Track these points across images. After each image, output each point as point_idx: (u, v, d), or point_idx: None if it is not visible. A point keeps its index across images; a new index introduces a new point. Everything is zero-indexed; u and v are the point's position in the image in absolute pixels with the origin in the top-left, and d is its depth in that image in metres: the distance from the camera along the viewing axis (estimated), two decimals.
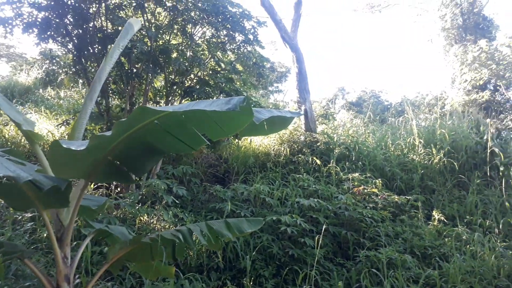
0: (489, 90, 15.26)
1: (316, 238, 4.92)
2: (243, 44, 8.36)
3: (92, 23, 7.11)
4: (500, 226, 5.72)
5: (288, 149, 8.05)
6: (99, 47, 7.23)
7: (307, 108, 8.71)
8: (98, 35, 7.14)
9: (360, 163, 7.57)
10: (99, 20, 7.33)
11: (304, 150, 8.13)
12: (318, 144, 8.15)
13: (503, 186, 6.50)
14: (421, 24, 26.86)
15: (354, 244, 5.43)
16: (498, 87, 15.30)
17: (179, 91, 8.03)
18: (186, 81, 8.28)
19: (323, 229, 5.28)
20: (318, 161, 7.46)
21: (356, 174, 6.89)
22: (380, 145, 8.43)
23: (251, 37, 8.10)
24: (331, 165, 7.32)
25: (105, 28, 7.31)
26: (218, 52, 8.55)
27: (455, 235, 5.45)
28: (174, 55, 7.98)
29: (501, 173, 6.98)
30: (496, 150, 7.23)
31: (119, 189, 6.40)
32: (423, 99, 16.60)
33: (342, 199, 5.81)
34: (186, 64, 7.98)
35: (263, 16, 9.37)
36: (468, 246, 5.18)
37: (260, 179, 6.93)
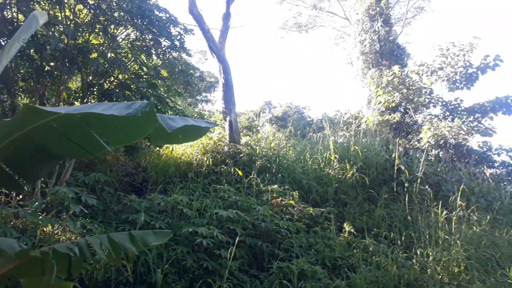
0: (400, 112, 16.65)
1: (230, 249, 4.86)
2: (168, 50, 8.18)
3: (1, 13, 6.46)
4: (403, 238, 6.17)
5: (211, 159, 7.97)
6: (8, 40, 6.57)
7: (232, 119, 8.74)
8: (8, 27, 6.50)
9: (280, 175, 7.74)
10: (10, 11, 6.69)
11: (227, 161, 8.11)
12: (241, 155, 8.20)
13: (407, 201, 7.04)
14: (343, 46, 28.70)
15: (269, 255, 5.48)
16: (407, 110, 16.77)
17: (97, 94, 7.58)
18: (105, 84, 7.86)
19: (239, 240, 5.27)
20: (240, 172, 7.47)
21: (275, 186, 7.02)
22: (300, 159, 8.72)
23: (177, 43, 7.96)
24: (252, 176, 7.38)
25: (16, 20, 6.69)
26: (143, 56, 8.26)
27: (363, 247, 5.77)
28: (94, 55, 7.55)
29: (405, 189, 7.58)
30: (402, 167, 7.84)
31: (21, 196, 5.80)
32: (342, 117, 17.61)
33: (260, 210, 5.86)
34: (106, 65, 7.58)
35: (191, 24, 9.29)
36: (374, 257, 5.51)
37: (180, 189, 6.74)
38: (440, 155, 13.78)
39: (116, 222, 5.58)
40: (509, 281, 5.23)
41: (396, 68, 15.69)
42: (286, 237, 5.69)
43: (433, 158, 10.58)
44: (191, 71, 9.10)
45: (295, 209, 6.49)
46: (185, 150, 8.26)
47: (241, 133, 9.39)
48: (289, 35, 28.67)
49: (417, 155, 9.63)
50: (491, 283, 5.09)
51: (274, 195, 6.84)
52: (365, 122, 16.20)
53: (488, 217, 6.75)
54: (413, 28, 24.98)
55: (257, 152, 8.27)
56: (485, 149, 14.80)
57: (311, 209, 6.53)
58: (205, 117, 9.91)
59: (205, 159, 7.95)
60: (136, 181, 7.37)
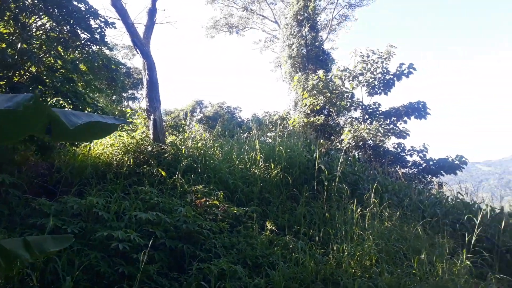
0: (324, 114, 17.46)
1: (143, 252, 4.68)
2: (88, 43, 7.72)
3: None
4: (321, 234, 6.44)
5: (132, 160, 7.65)
6: None
7: (156, 117, 8.48)
8: None
9: (205, 175, 7.67)
10: None
11: (150, 161, 7.85)
12: (166, 155, 7.98)
13: (326, 199, 7.37)
14: (272, 49, 29.44)
15: (190, 257, 5.39)
16: (331, 113, 17.62)
17: (4, 87, 6.91)
18: (14, 77, 7.19)
19: (159, 243, 5.12)
20: (163, 173, 7.27)
21: (200, 187, 6.94)
22: (227, 159, 8.73)
23: (97, 36, 7.53)
24: (176, 177, 7.22)
25: None
26: (59, 48, 7.69)
27: (283, 244, 5.92)
28: (2, 45, 6.88)
29: (325, 187, 7.92)
30: (322, 167, 8.19)
31: None
32: (271, 118, 18.00)
33: (182, 211, 5.75)
34: (16, 56, 6.95)
35: (114, 18, 8.86)
36: (293, 254, 5.67)
37: (97, 192, 6.38)
38: (359, 155, 14.68)
39: (21, 228, 5.11)
40: (413, 271, 5.71)
41: (321, 72, 16.42)
42: (209, 238, 5.65)
43: (352, 159, 11.19)
44: (114, 66, 8.69)
45: (219, 209, 6.46)
46: (104, 150, 7.84)
47: (167, 133, 9.15)
48: (220, 35, 28.75)
49: (338, 155, 10.12)
50: (398, 274, 5.51)
51: (199, 195, 6.75)
52: (292, 123, 16.72)
53: (398, 213, 7.29)
54: (338, 35, 26.51)
55: (183, 152, 8.11)
56: (399, 150, 16.03)
57: (235, 209, 6.55)
58: (128, 114, 9.49)
59: (126, 159, 7.62)
60: (48, 183, 6.83)
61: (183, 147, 8.21)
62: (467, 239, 6.86)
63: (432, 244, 6.69)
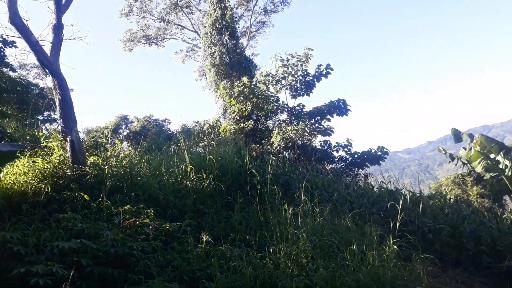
0: (253, 119, 17.72)
1: (64, 284, 4.33)
2: None
3: None
4: (257, 238, 6.45)
5: (49, 186, 7.07)
6: None
7: (74, 138, 7.94)
8: None
9: (133, 194, 7.33)
10: None
11: (71, 185, 7.31)
12: (88, 177, 7.50)
13: (259, 203, 7.42)
14: (195, 58, 29.27)
15: (123, 281, 5.09)
16: (259, 117, 17.93)
17: None
18: None
19: (87, 272, 4.77)
20: (86, 197, 6.81)
21: (128, 206, 6.61)
22: (156, 174, 8.43)
23: None
24: (101, 199, 6.81)
25: None
26: None
27: (220, 254, 5.83)
28: None
29: (258, 191, 7.99)
30: (254, 171, 8.26)
31: None
32: (201, 128, 17.84)
33: (108, 235, 5.41)
34: None
35: (15, 36, 8.16)
36: (231, 263, 5.61)
37: (12, 225, 5.78)
38: (289, 156, 15.08)
39: None
40: (347, 262, 5.94)
41: (245, 79, 16.66)
42: (141, 259, 5.38)
43: (282, 160, 11.44)
44: (20, 88, 7.99)
45: (151, 227, 6.20)
46: (17, 179, 7.15)
47: (87, 153, 8.61)
48: (139, 48, 27.93)
49: (269, 158, 10.28)
50: (333, 267, 5.69)
51: (127, 216, 6.42)
52: (222, 131, 16.72)
53: (328, 208, 7.57)
54: (258, 41, 27.18)
55: (106, 172, 7.68)
56: (326, 147, 16.76)
57: (168, 225, 6.33)
58: (42, 138, 8.78)
59: (43, 186, 7.02)
60: None
61: (106, 167, 7.77)
62: (391, 225, 7.34)
63: (362, 234, 7.03)
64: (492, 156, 7.14)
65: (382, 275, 5.56)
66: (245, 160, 8.72)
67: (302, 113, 17.20)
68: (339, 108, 17.01)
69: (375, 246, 6.29)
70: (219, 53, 18.81)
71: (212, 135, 17.01)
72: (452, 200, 12.14)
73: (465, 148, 8.11)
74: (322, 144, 16.83)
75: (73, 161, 7.77)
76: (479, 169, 7.61)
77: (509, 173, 6.81)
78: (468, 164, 7.98)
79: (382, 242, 6.61)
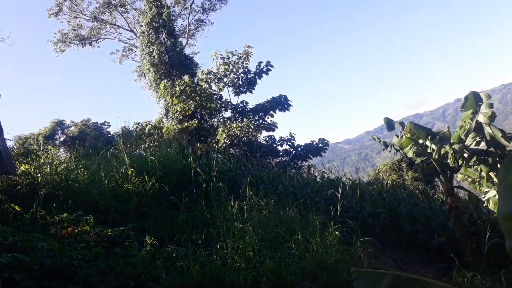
0: (197, 118, 17.54)
1: None
2: None
3: None
4: (203, 237, 6.42)
5: None
6: None
7: (1, 148, 7.37)
8: None
9: (70, 201, 6.97)
10: None
11: (0, 197, 6.80)
12: (19, 187, 7.02)
13: (203, 201, 7.37)
14: (132, 58, 28.28)
15: None
16: (203, 116, 17.79)
17: None
18: None
19: (21, 287, 4.47)
20: (17, 208, 6.37)
21: (65, 215, 6.27)
22: (94, 179, 8.08)
23: None
24: (35, 209, 6.40)
25: None
26: None
27: (166, 256, 5.74)
28: None
29: (204, 189, 7.94)
30: (198, 170, 8.20)
31: None
32: (143, 129, 17.34)
33: (43, 246, 5.11)
34: None
35: None
36: (177, 263, 5.54)
37: None
38: (236, 153, 15.14)
39: None
40: (292, 251, 6.10)
41: (186, 77, 16.42)
42: (82, 268, 5.14)
43: (227, 157, 11.46)
44: None
45: (91, 234, 5.94)
46: None
47: (17, 162, 8.05)
48: (72, 49, 26.46)
49: (214, 156, 10.25)
50: (279, 257, 5.82)
51: (65, 224, 6.10)
52: (166, 131, 16.38)
53: (273, 200, 7.71)
54: (197, 40, 26.82)
55: (39, 180, 7.23)
56: (270, 142, 17.02)
57: (109, 231, 6.10)
58: None
59: None
60: None
61: (38, 175, 7.31)
62: (333, 212, 7.64)
63: (306, 223, 7.25)
64: (420, 141, 7.67)
65: (325, 260, 5.78)
66: (189, 160, 8.62)
67: (246, 110, 17.31)
68: (281, 103, 17.33)
69: (318, 233, 6.52)
70: (158, 52, 18.36)
71: (155, 136, 16.63)
72: (389, 185, 12.91)
73: (397, 136, 8.61)
74: (267, 139, 17.07)
75: (1, 171, 7.22)
76: (410, 154, 8.13)
77: (436, 156, 7.36)
78: (400, 151, 8.49)
79: (325, 229, 6.86)
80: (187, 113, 16.67)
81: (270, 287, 5.06)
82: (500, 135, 6.54)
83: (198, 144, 14.94)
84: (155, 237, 6.27)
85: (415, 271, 7.29)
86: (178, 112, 16.64)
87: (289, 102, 17.33)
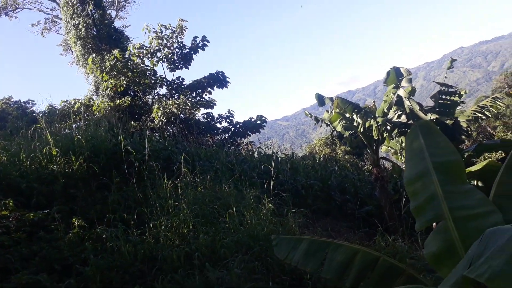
0: (130, 95, 16.83)
1: None
2: None
3: None
4: (135, 216, 6.28)
5: None
6: None
7: None
8: None
9: None
10: None
11: None
12: None
13: (134, 180, 7.16)
14: (56, 31, 26.11)
15: None
16: (137, 93, 17.11)
17: None
18: None
19: None
20: None
21: None
22: (14, 161, 7.50)
23: None
24: None
25: None
26: None
27: (95, 237, 5.55)
28: None
29: (136, 169, 7.72)
30: (130, 148, 7.92)
31: None
32: (72, 107, 16.29)
33: None
34: None
35: None
36: (107, 244, 5.39)
37: None
38: (173, 131, 14.85)
39: None
40: (227, 225, 6.19)
41: (116, 52, 15.57)
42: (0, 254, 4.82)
43: (162, 135, 11.20)
44: None
45: (11, 219, 5.56)
46: None
47: None
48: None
49: (149, 134, 9.95)
50: (213, 232, 5.88)
51: None
52: (96, 109, 15.56)
53: (209, 177, 7.71)
54: (128, 12, 25.10)
55: None
56: (209, 119, 16.90)
57: (31, 214, 5.74)
58: None
59: None
60: None
61: None
62: (268, 186, 7.84)
63: (242, 197, 7.36)
64: (347, 115, 8.04)
65: (258, 232, 5.94)
66: (119, 138, 8.28)
67: (182, 86, 16.92)
68: (218, 80, 17.15)
69: (252, 207, 6.66)
70: (85, 24, 17.09)
71: (85, 115, 15.74)
72: (321, 159, 13.47)
73: (327, 111, 8.95)
74: (205, 116, 16.91)
75: None
76: (339, 128, 8.51)
77: (362, 130, 7.77)
78: (330, 125, 8.85)
79: (260, 203, 7.03)
80: (119, 90, 15.90)
81: (204, 261, 5.11)
82: (418, 108, 7.04)
83: (132, 122, 14.39)
84: (84, 219, 6.03)
85: (344, 238, 7.78)
86: (109, 89, 15.82)
87: (227, 78, 17.21)
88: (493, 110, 7.56)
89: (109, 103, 15.61)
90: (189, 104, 15.34)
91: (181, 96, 15.67)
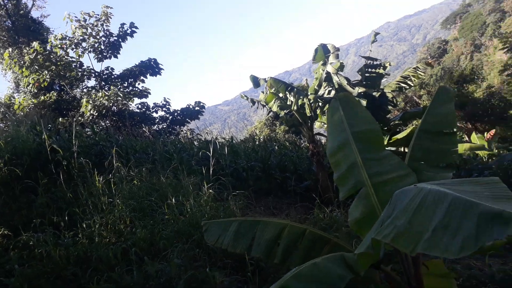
0: (56, 90, 15.72)
1: None
2: None
3: None
4: (66, 218, 5.91)
5: None
6: None
7: None
8: None
9: None
10: None
11: None
12: None
13: (62, 180, 6.71)
14: None
15: None
16: (63, 87, 16.01)
17: None
18: None
19: None
20: None
21: None
22: None
23: None
24: None
25: None
26: None
27: (21, 245, 5.15)
28: None
29: (64, 167, 7.24)
30: (55, 146, 7.40)
31: None
32: None
33: None
34: None
35: None
36: (36, 250, 5.02)
37: None
38: (106, 124, 14.13)
39: None
40: (166, 216, 6.02)
41: (36, 44, 14.38)
42: None
43: (91, 130, 10.60)
44: None
45: None
46: None
47: None
48: None
49: (78, 130, 9.36)
50: (151, 225, 5.69)
51: None
52: (18, 108, 14.36)
53: (144, 169, 7.44)
54: (46, 1, 23.10)
55: None
56: (144, 109, 16.29)
57: None
58: None
59: None
60: None
61: None
62: (209, 171, 7.73)
63: (181, 186, 7.19)
64: (281, 95, 8.09)
65: (199, 219, 5.84)
66: (43, 137, 7.70)
67: (112, 76, 16.10)
68: (151, 67, 16.52)
69: (192, 195, 6.53)
70: None
71: (6, 115, 14.49)
72: (261, 140, 13.57)
73: (263, 92, 8.95)
74: (140, 106, 16.28)
75: None
76: (275, 108, 8.56)
77: (295, 108, 7.87)
78: (266, 106, 8.88)
79: (201, 190, 6.91)
80: (42, 85, 14.75)
81: (143, 256, 4.94)
82: (346, 82, 7.25)
83: (60, 119, 13.47)
84: (7, 227, 5.57)
85: (285, 214, 7.94)
86: (31, 85, 14.62)
87: (160, 65, 16.63)
88: (415, 79, 7.99)
89: (33, 100, 14.46)
90: (121, 95, 14.65)
91: (112, 87, 14.90)
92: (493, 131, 18.50)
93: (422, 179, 2.49)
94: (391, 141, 7.32)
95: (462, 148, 11.31)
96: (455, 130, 2.72)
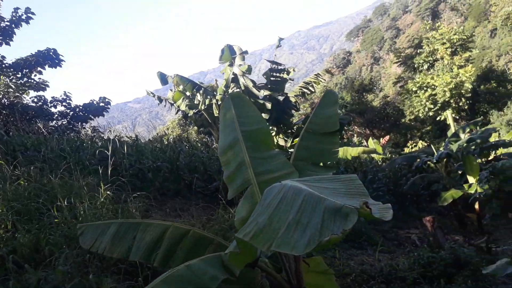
0: None
1: None
2: None
3: None
4: None
5: None
6: None
7: None
8: None
9: None
10: None
11: None
12: None
13: None
14: None
15: None
16: None
17: None
18: None
19: None
20: None
21: None
22: None
23: None
24: None
25: None
26: None
27: None
28: None
29: None
30: None
31: None
32: None
33: None
34: None
35: None
36: None
37: None
38: None
39: None
40: (56, 220, 5.52)
41: None
42: None
43: None
44: None
45: None
46: None
47: None
48: None
49: None
50: (36, 229, 5.18)
51: None
52: None
53: (33, 168, 6.77)
54: None
55: None
56: (41, 104, 14.87)
57: None
58: None
59: None
60: None
61: None
62: (108, 172, 7.29)
63: (76, 187, 6.67)
64: (188, 93, 7.99)
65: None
66: None
67: (3, 65, 14.41)
68: (50, 58, 15.13)
69: (87, 196, 6.10)
70: None
71: None
72: (171, 140, 13.25)
73: (171, 90, 8.74)
74: (36, 100, 14.81)
75: None
76: (183, 107, 8.41)
77: (203, 107, 7.82)
78: (174, 104, 8.68)
79: (97, 191, 6.49)
80: None
81: (23, 264, 4.45)
82: (252, 85, 7.41)
83: None
84: None
85: (192, 215, 7.83)
86: None
87: (61, 56, 15.31)
88: (317, 85, 8.47)
89: None
90: (13, 86, 13.20)
91: (2, 77, 13.34)
92: (387, 137, 20.52)
93: (303, 177, 2.61)
94: (293, 143, 7.66)
95: (356, 151, 12.32)
96: (336, 131, 2.91)
